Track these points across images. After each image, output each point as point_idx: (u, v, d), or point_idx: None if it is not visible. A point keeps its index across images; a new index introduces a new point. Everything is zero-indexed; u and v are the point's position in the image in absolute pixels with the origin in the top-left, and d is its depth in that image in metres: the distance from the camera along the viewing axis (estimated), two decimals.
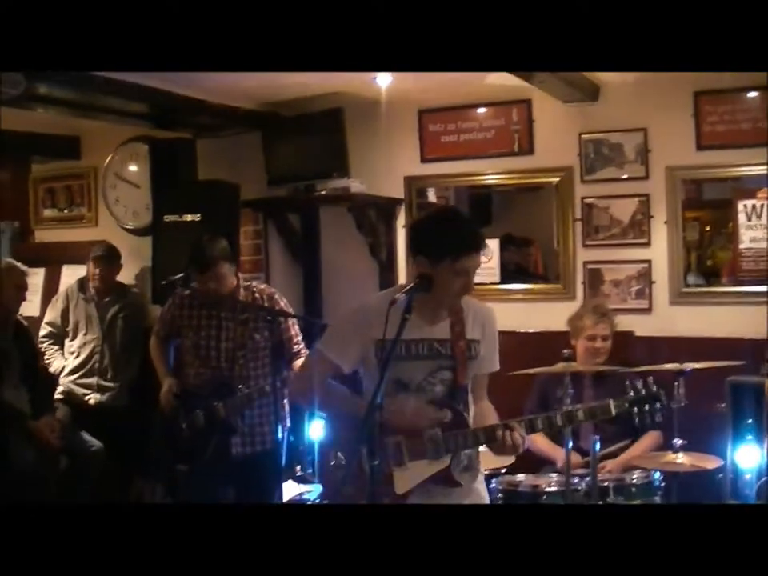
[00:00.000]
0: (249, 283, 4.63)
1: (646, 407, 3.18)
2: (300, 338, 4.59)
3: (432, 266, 3.03)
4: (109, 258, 6.08)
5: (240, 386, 4.41)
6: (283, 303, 4.60)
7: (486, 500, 3.34)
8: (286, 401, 4.53)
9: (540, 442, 4.85)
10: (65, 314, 6.12)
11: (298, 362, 4.44)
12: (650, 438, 4.84)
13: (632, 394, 3.19)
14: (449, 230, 3.06)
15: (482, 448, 3.25)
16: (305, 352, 4.51)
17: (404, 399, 3.10)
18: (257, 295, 4.54)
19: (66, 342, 6.11)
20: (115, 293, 6.14)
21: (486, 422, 3.20)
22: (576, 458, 4.62)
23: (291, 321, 4.53)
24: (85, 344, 6.06)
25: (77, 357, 6.04)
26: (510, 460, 4.44)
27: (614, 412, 3.17)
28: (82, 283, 6.16)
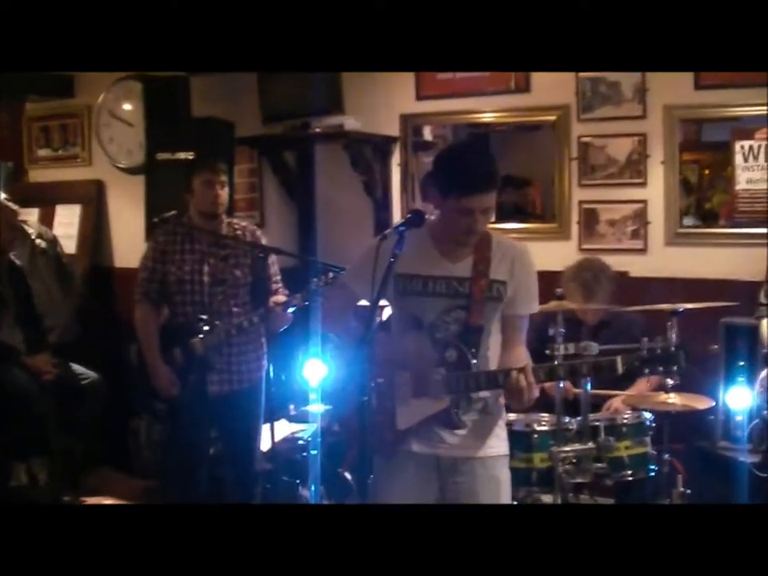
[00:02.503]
0: (230, 219, 4.58)
1: (660, 369, 2.92)
2: (279, 276, 4.56)
3: (441, 202, 3.03)
4: None
5: (217, 322, 4.37)
6: (264, 241, 4.58)
7: (504, 448, 3.22)
8: (264, 339, 4.51)
9: None
10: None
11: (276, 299, 4.41)
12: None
13: (645, 352, 2.89)
14: (456, 167, 3.00)
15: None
16: (283, 290, 4.49)
17: (412, 338, 3.10)
18: (239, 232, 4.51)
19: None
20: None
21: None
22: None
23: (272, 258, 4.50)
24: None
25: None
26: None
27: (620, 370, 2.89)
28: None
